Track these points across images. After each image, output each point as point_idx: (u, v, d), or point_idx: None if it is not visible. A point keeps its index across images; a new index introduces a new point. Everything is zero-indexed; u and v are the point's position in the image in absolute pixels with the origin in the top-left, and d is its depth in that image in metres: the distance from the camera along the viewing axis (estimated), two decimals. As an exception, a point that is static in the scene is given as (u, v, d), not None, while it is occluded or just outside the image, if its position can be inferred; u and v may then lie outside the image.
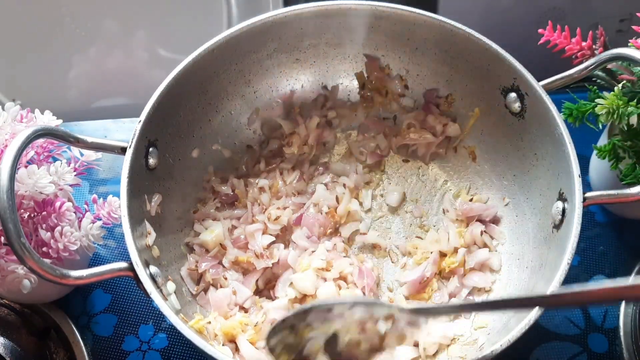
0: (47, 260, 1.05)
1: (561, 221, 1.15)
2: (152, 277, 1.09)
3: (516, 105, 1.28)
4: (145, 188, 1.22)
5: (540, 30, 1.31)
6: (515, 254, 1.30)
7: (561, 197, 1.17)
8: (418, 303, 1.31)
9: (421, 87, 1.45)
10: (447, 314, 1.26)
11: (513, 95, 1.28)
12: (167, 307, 1.04)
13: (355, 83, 1.49)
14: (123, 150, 1.15)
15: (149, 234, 1.19)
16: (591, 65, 1.20)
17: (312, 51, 1.43)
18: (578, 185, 1.11)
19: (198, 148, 1.38)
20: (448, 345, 1.25)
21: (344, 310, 1.00)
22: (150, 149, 1.23)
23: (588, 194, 1.11)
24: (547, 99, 1.20)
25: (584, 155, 1.32)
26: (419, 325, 1.01)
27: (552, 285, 1.04)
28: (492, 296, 1.30)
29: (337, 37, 1.41)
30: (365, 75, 1.47)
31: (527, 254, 1.26)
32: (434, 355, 1.24)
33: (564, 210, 1.15)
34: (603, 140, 1.35)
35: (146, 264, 1.10)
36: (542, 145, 1.24)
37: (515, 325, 1.02)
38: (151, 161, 1.23)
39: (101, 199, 1.23)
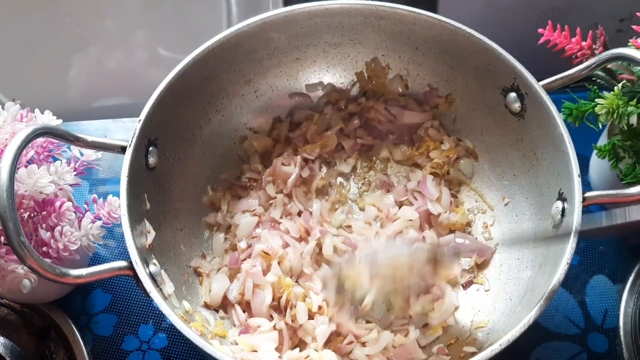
0: (47, 260, 1.06)
1: (561, 221, 1.15)
2: (152, 276, 1.09)
3: (516, 105, 1.27)
4: (145, 187, 1.21)
5: (540, 30, 1.31)
6: (515, 254, 1.30)
7: (561, 197, 1.17)
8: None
9: (421, 87, 1.45)
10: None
11: (513, 95, 1.27)
12: (166, 306, 1.03)
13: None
14: (123, 149, 1.15)
15: (149, 232, 1.20)
16: (591, 65, 1.19)
17: (312, 50, 1.43)
18: (578, 185, 1.11)
19: (198, 147, 1.38)
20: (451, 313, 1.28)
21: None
22: (150, 148, 1.22)
23: (588, 194, 1.11)
24: (547, 99, 1.19)
25: (584, 155, 1.32)
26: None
27: (552, 285, 1.04)
28: (491, 294, 1.30)
29: (337, 36, 1.41)
30: (366, 75, 1.47)
31: (527, 254, 1.26)
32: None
33: (563, 210, 1.15)
34: (603, 140, 1.35)
35: (146, 263, 1.10)
36: (542, 145, 1.24)
37: (514, 324, 1.03)
38: (151, 160, 1.23)
39: (101, 199, 1.23)
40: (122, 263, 1.06)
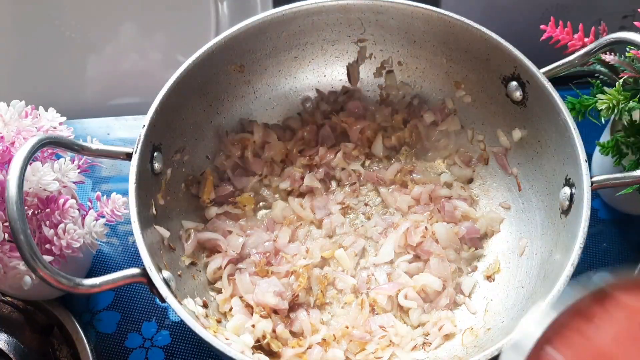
0: (49, 258, 1.08)
1: (569, 207, 1.15)
2: (166, 282, 1.08)
3: (517, 94, 1.28)
4: (151, 192, 1.22)
5: (542, 26, 1.31)
6: (523, 243, 1.30)
7: (568, 183, 1.17)
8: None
9: (420, 80, 1.45)
10: None
11: (514, 84, 1.28)
12: (184, 311, 1.03)
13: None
14: (128, 156, 1.15)
15: (163, 235, 1.21)
16: (592, 50, 1.20)
17: (310, 49, 1.44)
18: (585, 169, 1.11)
19: (200, 150, 1.38)
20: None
21: None
22: (155, 154, 1.23)
23: (595, 178, 1.11)
24: (549, 86, 1.20)
25: (587, 152, 1.31)
26: None
27: (566, 270, 1.04)
28: (499, 287, 1.30)
29: (335, 33, 1.41)
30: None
31: (536, 241, 1.26)
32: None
33: (571, 196, 1.15)
34: (606, 137, 1.35)
35: (159, 269, 1.09)
36: (546, 133, 1.24)
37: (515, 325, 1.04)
38: (156, 166, 1.23)
39: (104, 197, 1.23)
40: (135, 270, 1.05)
